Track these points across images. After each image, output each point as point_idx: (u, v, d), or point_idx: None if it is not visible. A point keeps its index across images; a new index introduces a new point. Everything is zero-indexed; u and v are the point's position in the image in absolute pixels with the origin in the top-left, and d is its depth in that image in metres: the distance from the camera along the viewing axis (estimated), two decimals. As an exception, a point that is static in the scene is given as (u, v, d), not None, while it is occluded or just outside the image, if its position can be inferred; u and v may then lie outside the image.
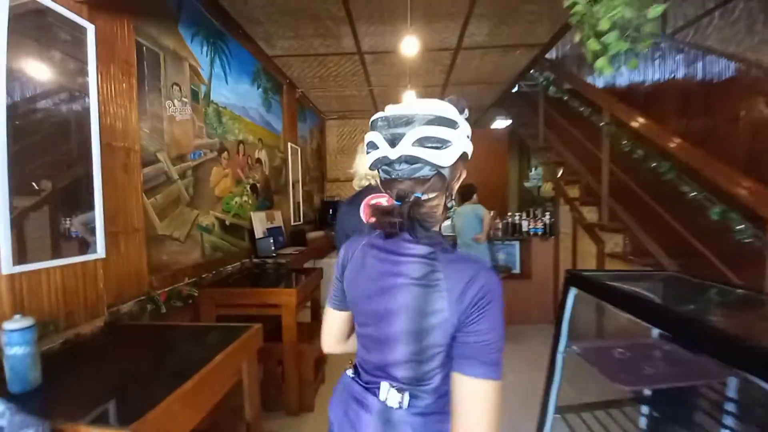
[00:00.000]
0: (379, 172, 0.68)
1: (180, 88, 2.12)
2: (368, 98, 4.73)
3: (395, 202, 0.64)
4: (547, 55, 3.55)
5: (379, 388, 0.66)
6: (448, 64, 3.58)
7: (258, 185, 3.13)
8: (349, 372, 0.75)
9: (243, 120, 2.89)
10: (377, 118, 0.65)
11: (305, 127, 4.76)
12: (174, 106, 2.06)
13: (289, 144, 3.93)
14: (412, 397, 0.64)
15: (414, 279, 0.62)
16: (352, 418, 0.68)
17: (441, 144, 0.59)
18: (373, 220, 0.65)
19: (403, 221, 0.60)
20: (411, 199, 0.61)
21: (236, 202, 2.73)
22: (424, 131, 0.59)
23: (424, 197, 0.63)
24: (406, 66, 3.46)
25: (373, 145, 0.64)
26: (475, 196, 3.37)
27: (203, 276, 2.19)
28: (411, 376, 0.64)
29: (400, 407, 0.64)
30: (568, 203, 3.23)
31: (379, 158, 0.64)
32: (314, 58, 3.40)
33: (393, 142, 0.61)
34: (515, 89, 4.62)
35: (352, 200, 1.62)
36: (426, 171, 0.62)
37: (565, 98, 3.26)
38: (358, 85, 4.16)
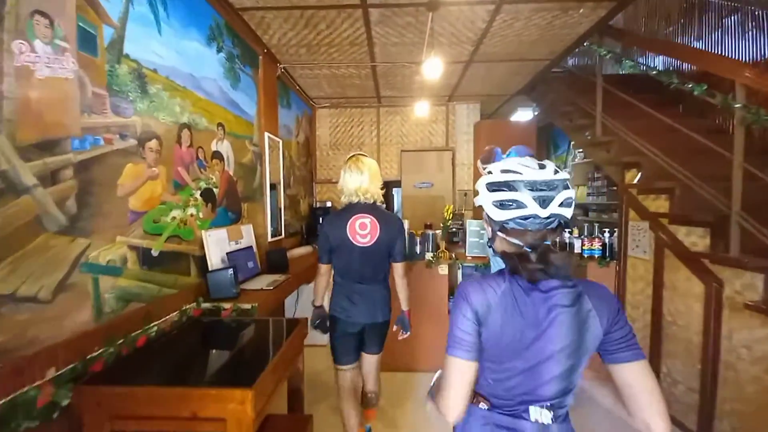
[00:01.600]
0: (506, 223, 0.76)
1: (50, 23, 1.19)
2: (369, 80, 3.83)
3: (525, 249, 0.75)
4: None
5: (526, 411, 0.75)
6: (482, 29, 2.70)
7: (215, 190, 2.21)
8: (484, 406, 0.79)
9: (190, 94, 1.96)
10: (517, 180, 0.73)
11: (290, 115, 3.83)
12: (34, 52, 1.14)
13: (267, 135, 3.01)
14: (558, 407, 0.76)
15: (566, 306, 0.73)
16: None
17: (571, 201, 0.74)
18: (511, 265, 0.76)
19: (545, 267, 0.72)
20: (542, 247, 0.73)
21: (174, 218, 1.80)
22: (566, 194, 0.73)
23: (550, 244, 0.75)
24: (425, 27, 2.57)
25: (518, 204, 0.73)
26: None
27: (94, 355, 1.27)
28: (561, 389, 0.75)
29: (554, 421, 0.75)
30: (647, 219, 2.40)
31: (525, 215, 0.73)
32: (299, 14, 2.49)
33: (544, 204, 0.72)
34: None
35: (340, 213, 1.68)
36: (555, 223, 0.75)
37: (653, 73, 2.41)
38: (357, 58, 3.25)
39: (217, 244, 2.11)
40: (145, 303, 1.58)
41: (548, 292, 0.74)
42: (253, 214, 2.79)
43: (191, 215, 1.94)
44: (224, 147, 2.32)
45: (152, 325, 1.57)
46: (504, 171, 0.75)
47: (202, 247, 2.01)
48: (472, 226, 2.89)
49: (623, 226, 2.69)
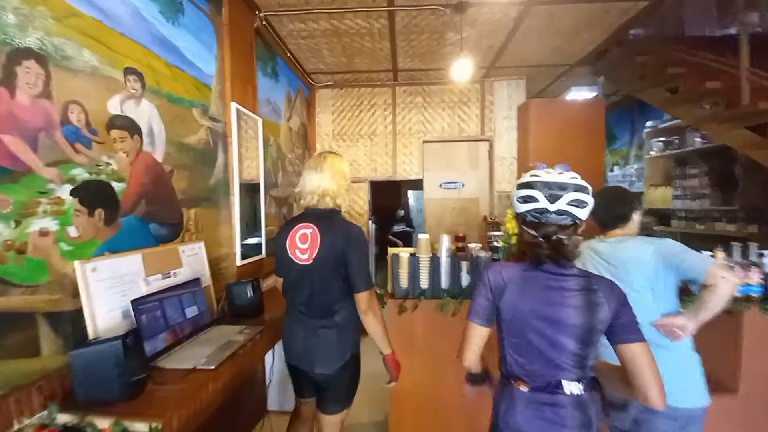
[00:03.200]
0: (526, 216, 0.93)
1: None
2: (384, 40, 2.89)
3: (539, 239, 0.91)
4: None
5: (559, 386, 0.90)
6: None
7: (117, 185, 1.27)
8: (523, 388, 0.93)
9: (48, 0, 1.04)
10: (534, 181, 0.91)
11: (277, 90, 2.91)
12: None
13: (236, 107, 2.08)
14: (582, 378, 0.91)
15: (577, 291, 0.90)
16: (552, 419, 0.89)
17: (582, 205, 0.89)
18: (528, 251, 0.95)
19: (550, 253, 0.90)
20: (554, 239, 0.89)
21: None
22: (575, 195, 0.89)
23: (564, 239, 0.89)
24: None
25: (532, 199, 0.90)
26: (636, 215, 1.50)
27: None
28: (579, 361, 0.89)
29: (583, 391, 0.90)
30: None
31: (537, 208, 0.90)
32: None
33: (552, 199, 0.89)
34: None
35: (288, 222, 1.43)
36: (568, 221, 0.90)
37: None
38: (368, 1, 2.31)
39: (111, 287, 1.17)
40: None
41: (562, 277, 0.91)
42: (210, 227, 1.86)
43: (42, 233, 1.00)
44: (142, 112, 1.39)
45: None
46: (531, 175, 0.93)
47: (76, 294, 1.07)
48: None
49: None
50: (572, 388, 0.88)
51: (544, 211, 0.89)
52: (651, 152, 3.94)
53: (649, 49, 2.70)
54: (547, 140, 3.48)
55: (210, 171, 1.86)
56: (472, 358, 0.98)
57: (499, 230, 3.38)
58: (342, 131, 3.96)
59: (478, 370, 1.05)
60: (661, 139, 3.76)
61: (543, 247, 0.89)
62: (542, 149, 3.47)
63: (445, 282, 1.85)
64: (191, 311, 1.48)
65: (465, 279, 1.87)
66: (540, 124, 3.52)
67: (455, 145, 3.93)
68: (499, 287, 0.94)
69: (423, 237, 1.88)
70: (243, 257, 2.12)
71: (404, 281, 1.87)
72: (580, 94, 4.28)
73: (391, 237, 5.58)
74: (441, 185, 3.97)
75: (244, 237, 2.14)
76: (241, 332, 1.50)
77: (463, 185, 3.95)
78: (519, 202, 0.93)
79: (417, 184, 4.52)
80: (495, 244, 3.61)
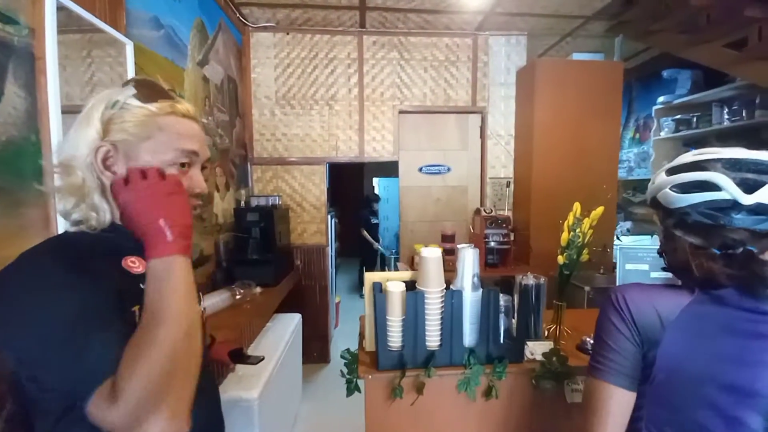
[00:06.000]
0: (689, 214, 0.59)
1: None
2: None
3: (712, 251, 0.58)
4: None
5: None
6: None
7: None
8: None
9: None
10: (711, 158, 0.59)
11: (179, 13, 1.90)
12: None
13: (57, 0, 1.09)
14: None
15: None
16: None
17: None
18: (679, 268, 0.62)
19: (737, 274, 0.56)
20: (742, 252, 0.56)
21: None
22: None
23: (760, 254, 0.56)
24: None
25: (710, 186, 0.58)
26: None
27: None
28: None
29: None
30: None
31: (715, 199, 0.57)
32: None
33: (748, 187, 0.55)
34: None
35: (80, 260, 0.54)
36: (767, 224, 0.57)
37: None
38: None
39: None
40: None
41: (763, 316, 0.55)
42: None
43: None
44: None
45: None
46: (697, 154, 0.62)
47: None
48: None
49: None
50: None
51: (731, 205, 0.55)
52: (660, 133, 3.47)
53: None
54: (556, 112, 2.82)
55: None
56: None
57: (500, 227, 2.69)
58: (289, 93, 2.99)
59: None
60: (677, 116, 3.28)
61: (720, 262, 0.56)
62: (550, 123, 2.82)
63: (470, 336, 1.06)
64: None
65: (504, 325, 1.10)
66: (548, 91, 2.84)
67: (440, 117, 3.14)
68: (651, 327, 0.59)
69: (431, 255, 1.05)
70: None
71: (396, 339, 1.04)
72: (585, 55, 3.70)
73: (365, 233, 4.69)
74: (421, 169, 3.18)
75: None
76: None
77: (449, 170, 3.19)
78: (676, 191, 0.60)
79: (386, 168, 3.72)
80: (493, 244, 2.91)
